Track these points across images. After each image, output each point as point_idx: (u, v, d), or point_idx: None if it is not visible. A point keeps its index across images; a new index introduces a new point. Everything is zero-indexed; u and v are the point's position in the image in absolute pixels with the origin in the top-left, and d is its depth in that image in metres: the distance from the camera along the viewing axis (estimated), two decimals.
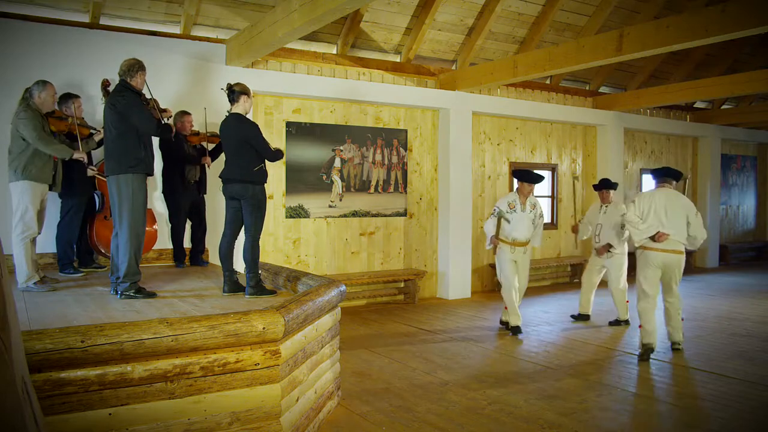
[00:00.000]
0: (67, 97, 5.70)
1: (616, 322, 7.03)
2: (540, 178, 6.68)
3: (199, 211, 6.69)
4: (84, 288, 5.02)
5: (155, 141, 6.33)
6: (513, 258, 6.58)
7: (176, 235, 6.56)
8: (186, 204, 6.54)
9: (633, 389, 4.82)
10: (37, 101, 5.07)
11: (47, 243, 5.91)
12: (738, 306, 8.33)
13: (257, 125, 4.75)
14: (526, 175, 6.58)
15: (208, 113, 6.75)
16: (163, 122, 4.79)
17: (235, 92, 4.70)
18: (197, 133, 6.63)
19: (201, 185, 6.66)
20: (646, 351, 5.63)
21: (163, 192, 6.58)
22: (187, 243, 6.73)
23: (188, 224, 6.72)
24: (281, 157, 4.88)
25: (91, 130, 5.64)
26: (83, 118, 5.78)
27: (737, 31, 5.53)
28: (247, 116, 4.78)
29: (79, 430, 2.78)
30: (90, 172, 5.64)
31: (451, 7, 8.24)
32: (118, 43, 6.32)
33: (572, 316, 7.40)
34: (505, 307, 6.73)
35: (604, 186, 6.96)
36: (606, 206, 6.93)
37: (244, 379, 3.22)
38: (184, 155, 6.41)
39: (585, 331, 6.76)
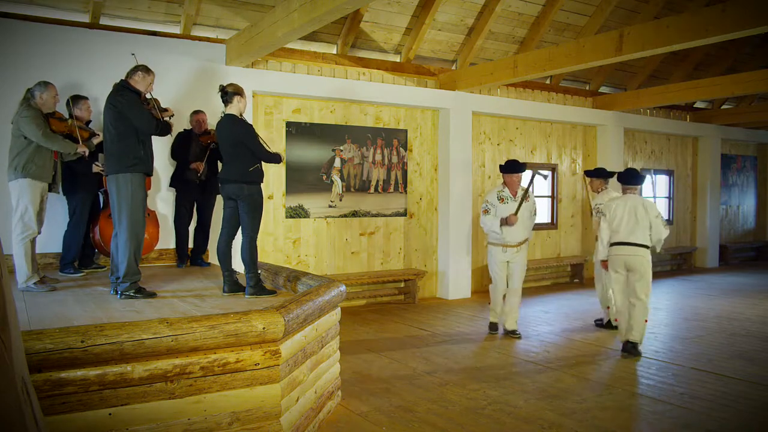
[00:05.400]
0: (78, 99, 5.74)
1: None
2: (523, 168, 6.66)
3: (203, 211, 6.68)
4: (84, 288, 5.02)
5: (167, 138, 6.42)
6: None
7: (177, 233, 6.59)
8: (187, 202, 6.55)
9: (633, 389, 4.82)
10: (38, 101, 5.08)
11: (47, 243, 5.91)
12: (738, 306, 8.32)
13: (251, 125, 4.73)
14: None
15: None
16: (162, 120, 4.80)
17: (228, 93, 4.66)
18: (208, 133, 6.60)
19: (208, 185, 6.58)
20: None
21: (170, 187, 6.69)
22: (191, 243, 6.74)
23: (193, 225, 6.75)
24: (279, 161, 4.82)
25: (91, 133, 5.66)
26: (83, 120, 5.79)
27: (737, 31, 5.53)
28: (242, 116, 4.76)
29: (79, 430, 2.78)
30: (95, 168, 5.68)
31: (451, 7, 8.24)
32: (118, 43, 6.32)
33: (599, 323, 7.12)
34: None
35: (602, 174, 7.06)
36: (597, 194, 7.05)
37: (244, 379, 3.22)
38: (188, 153, 6.43)
39: (585, 332, 6.76)
